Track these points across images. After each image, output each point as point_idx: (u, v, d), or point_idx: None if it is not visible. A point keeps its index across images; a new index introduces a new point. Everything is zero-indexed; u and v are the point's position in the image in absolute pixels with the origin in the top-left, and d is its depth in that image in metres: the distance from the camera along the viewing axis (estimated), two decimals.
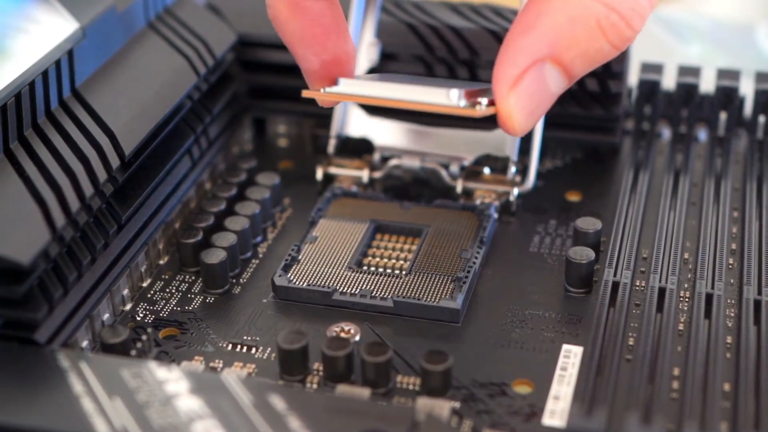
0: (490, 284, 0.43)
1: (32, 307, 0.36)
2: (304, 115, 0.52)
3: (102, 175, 0.40)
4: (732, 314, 0.40)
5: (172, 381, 0.34)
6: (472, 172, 0.48)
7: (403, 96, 0.37)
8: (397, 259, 0.44)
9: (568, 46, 0.35)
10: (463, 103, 0.36)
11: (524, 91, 0.36)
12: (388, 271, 0.43)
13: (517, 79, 0.35)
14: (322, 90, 0.39)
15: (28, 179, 0.38)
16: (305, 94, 0.39)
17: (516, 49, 0.35)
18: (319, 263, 0.43)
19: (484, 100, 0.37)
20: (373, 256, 0.44)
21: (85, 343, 0.39)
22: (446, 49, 0.49)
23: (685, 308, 0.40)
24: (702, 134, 0.51)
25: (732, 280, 0.42)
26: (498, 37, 0.49)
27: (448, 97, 0.36)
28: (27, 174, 0.38)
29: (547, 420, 0.36)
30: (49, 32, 0.42)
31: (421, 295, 0.41)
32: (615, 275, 0.41)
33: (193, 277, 0.44)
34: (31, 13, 0.44)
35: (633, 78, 0.52)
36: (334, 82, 0.38)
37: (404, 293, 0.41)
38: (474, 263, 0.43)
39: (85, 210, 0.39)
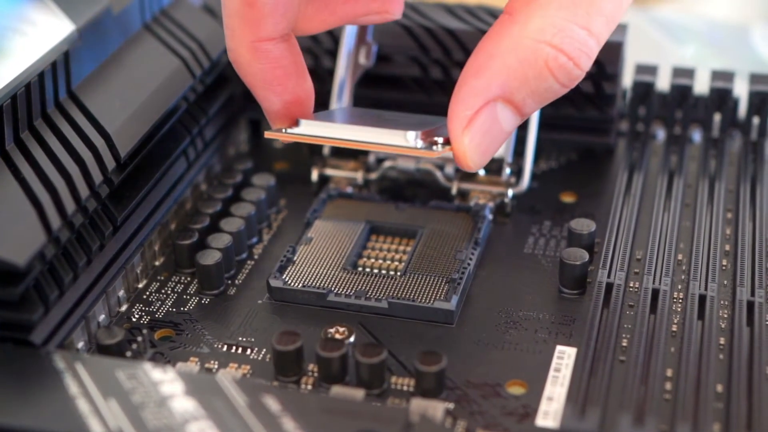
0: (485, 285, 0.43)
1: (28, 308, 0.36)
2: None
3: (98, 176, 0.40)
4: (725, 315, 0.40)
5: (167, 382, 0.34)
6: (466, 174, 0.48)
7: (363, 138, 0.39)
8: (392, 260, 0.44)
9: (518, 87, 0.36)
10: (420, 144, 0.38)
11: (478, 131, 0.37)
12: (383, 272, 0.43)
13: (470, 120, 0.37)
14: (283, 130, 0.40)
15: (24, 181, 0.38)
16: (268, 135, 0.40)
17: (469, 90, 0.37)
18: (314, 264, 0.43)
19: (441, 139, 0.39)
20: (368, 258, 0.44)
21: (80, 344, 0.39)
22: (441, 51, 0.50)
23: (679, 309, 0.40)
24: (696, 135, 0.51)
25: (725, 282, 0.42)
26: None
27: (406, 139, 0.38)
28: (23, 175, 0.38)
29: (541, 421, 0.36)
30: (45, 34, 0.43)
31: (415, 297, 0.41)
32: (609, 276, 0.41)
33: (188, 278, 0.44)
34: (27, 15, 0.44)
35: (627, 79, 0.52)
36: (294, 121, 0.40)
37: (399, 294, 0.41)
38: (468, 264, 0.43)
39: (80, 211, 0.39)
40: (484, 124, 0.37)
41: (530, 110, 0.37)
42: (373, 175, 0.49)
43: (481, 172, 0.48)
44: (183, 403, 0.33)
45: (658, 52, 0.69)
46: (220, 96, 0.50)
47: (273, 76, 0.40)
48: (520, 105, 0.37)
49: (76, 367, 0.35)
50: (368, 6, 0.42)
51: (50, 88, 0.42)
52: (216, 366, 0.39)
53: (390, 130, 0.39)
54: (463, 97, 0.37)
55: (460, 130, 0.37)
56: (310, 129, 0.39)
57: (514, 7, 0.37)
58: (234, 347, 0.40)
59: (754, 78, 0.50)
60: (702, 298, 0.40)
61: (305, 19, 0.41)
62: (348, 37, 0.48)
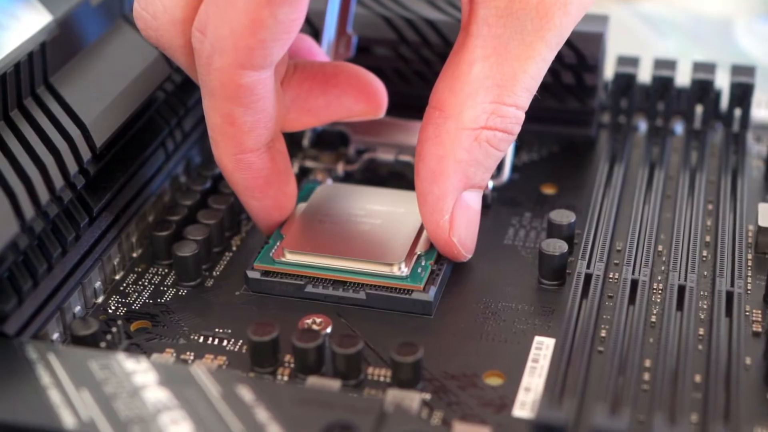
0: (464, 276, 0.43)
1: (1, 298, 0.36)
2: None
3: (73, 167, 0.40)
4: (704, 306, 0.40)
5: (140, 372, 0.34)
6: None
7: (350, 267, 0.41)
8: None
9: (474, 171, 0.40)
10: (405, 272, 0.41)
11: (461, 226, 0.41)
12: None
13: (451, 222, 0.40)
14: (275, 260, 0.42)
15: None
16: (257, 267, 0.42)
17: (436, 198, 0.40)
18: None
19: (421, 250, 0.42)
20: None
21: (55, 336, 0.39)
22: (422, 42, 0.49)
23: (658, 300, 0.40)
24: (678, 127, 0.51)
25: (705, 273, 0.42)
26: None
27: (392, 271, 0.41)
28: None
29: (518, 411, 0.36)
30: (22, 24, 0.42)
31: (394, 288, 0.41)
32: (588, 267, 0.41)
33: (165, 270, 0.43)
34: (4, 6, 0.44)
35: (609, 71, 0.52)
36: (277, 224, 0.43)
37: (377, 285, 0.41)
38: None
39: (55, 202, 0.39)
40: (462, 217, 0.40)
41: (487, 181, 0.41)
42: (353, 167, 0.48)
43: None
44: (156, 394, 0.33)
45: (641, 44, 0.69)
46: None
47: (254, 184, 0.41)
48: (480, 183, 0.41)
49: (49, 358, 0.35)
50: (351, 109, 0.44)
51: (26, 79, 0.41)
52: (192, 357, 0.39)
53: (376, 261, 0.41)
54: (434, 206, 0.40)
55: (446, 237, 0.40)
56: (298, 259, 0.42)
57: (440, 100, 0.39)
58: (210, 338, 0.40)
59: (736, 69, 0.50)
60: (681, 289, 0.40)
61: (288, 123, 0.43)
62: (328, 29, 0.48)
